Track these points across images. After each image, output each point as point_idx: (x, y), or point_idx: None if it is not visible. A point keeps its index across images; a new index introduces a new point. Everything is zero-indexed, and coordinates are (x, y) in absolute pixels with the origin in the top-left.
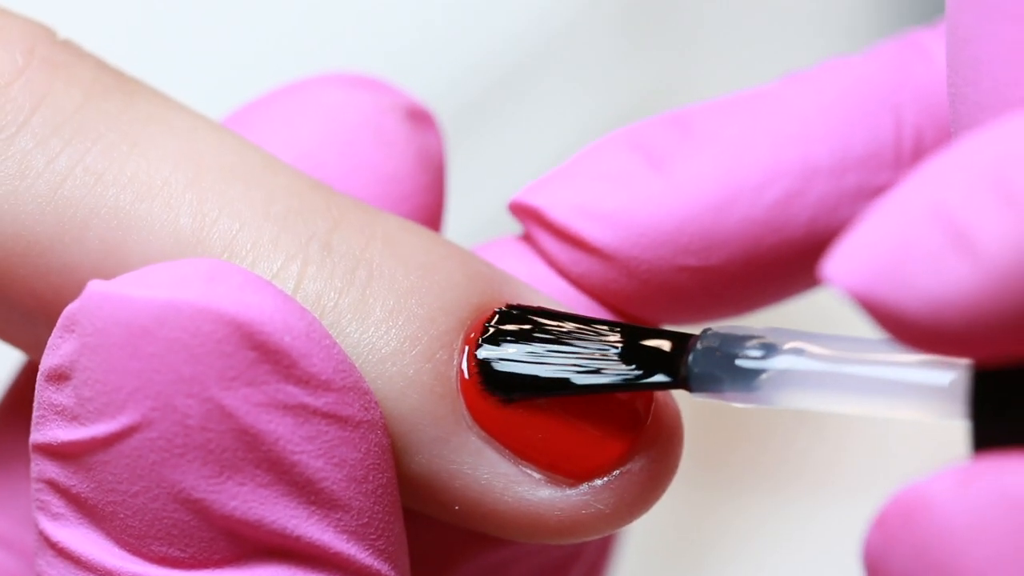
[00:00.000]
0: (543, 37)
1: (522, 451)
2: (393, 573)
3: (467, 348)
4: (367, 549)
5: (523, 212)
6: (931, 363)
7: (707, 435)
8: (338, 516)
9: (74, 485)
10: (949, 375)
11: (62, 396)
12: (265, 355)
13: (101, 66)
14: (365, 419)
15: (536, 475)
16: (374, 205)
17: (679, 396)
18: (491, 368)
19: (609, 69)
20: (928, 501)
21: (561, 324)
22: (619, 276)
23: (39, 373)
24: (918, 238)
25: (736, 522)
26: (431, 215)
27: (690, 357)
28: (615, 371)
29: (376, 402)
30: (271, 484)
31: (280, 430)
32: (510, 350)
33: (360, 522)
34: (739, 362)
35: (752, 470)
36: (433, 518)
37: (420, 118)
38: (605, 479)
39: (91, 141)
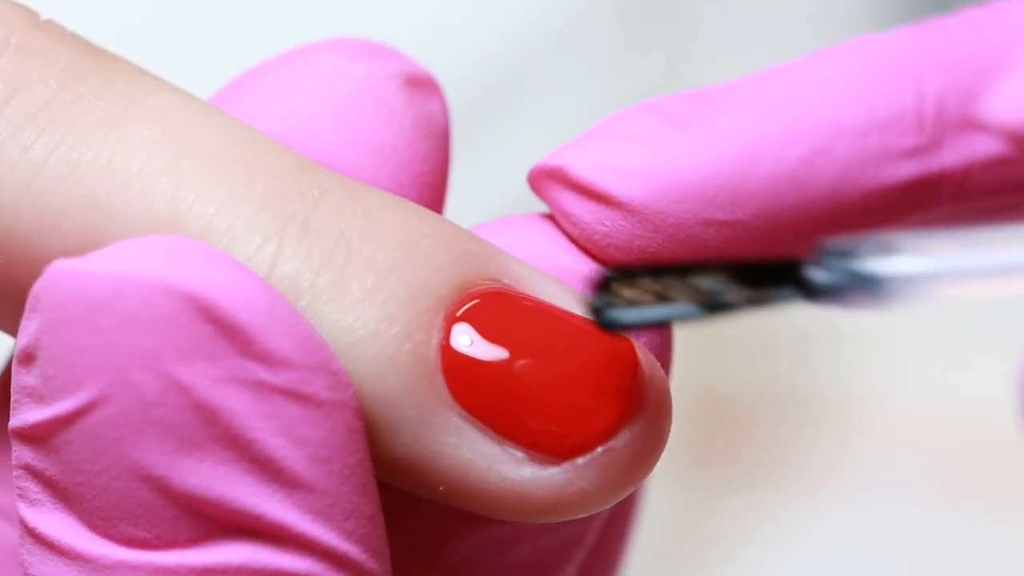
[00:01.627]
0: (542, 38)
1: (504, 430)
2: (363, 555)
3: (450, 326)
4: (334, 531)
5: (545, 175)
6: None
7: (707, 435)
8: (301, 496)
9: (46, 468)
10: None
11: (30, 377)
12: (222, 330)
13: (80, 48)
14: (330, 398)
15: (519, 454)
16: (370, 175)
17: (674, 397)
18: (615, 320)
19: (609, 70)
20: None
21: (664, 271)
22: (645, 231)
23: (13, 357)
24: None
25: (736, 522)
26: (431, 184)
27: (813, 269)
28: (735, 293)
29: (347, 382)
30: (232, 461)
31: (238, 406)
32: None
33: (325, 503)
34: (861, 266)
35: (752, 470)
36: (421, 498)
37: (421, 84)
38: (588, 456)
39: (66, 129)
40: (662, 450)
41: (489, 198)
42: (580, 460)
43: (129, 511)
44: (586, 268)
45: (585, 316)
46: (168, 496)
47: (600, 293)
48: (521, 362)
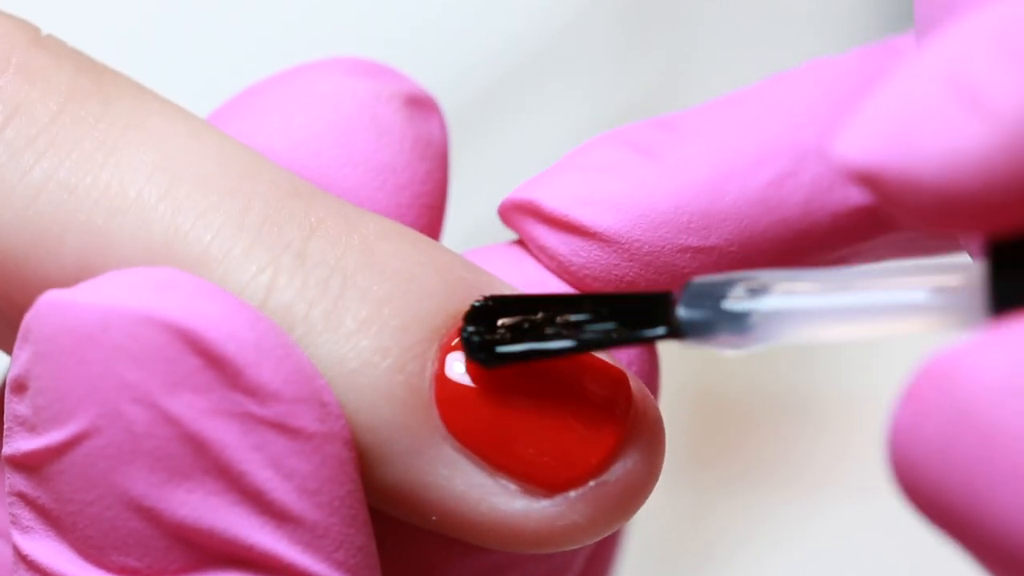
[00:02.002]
0: (541, 39)
1: (497, 462)
2: None
3: (443, 356)
4: (324, 561)
5: (517, 209)
6: (923, 270)
7: (707, 435)
8: (291, 527)
9: (39, 496)
10: (951, 278)
11: (22, 406)
12: (210, 362)
13: (80, 67)
14: (320, 431)
15: (511, 486)
16: (369, 194)
17: (674, 398)
18: (478, 343)
19: (608, 71)
20: (959, 364)
21: (538, 305)
22: (621, 260)
23: (6, 385)
24: (927, 103)
25: (736, 522)
26: (430, 204)
27: (679, 307)
28: (606, 331)
29: (338, 414)
30: (222, 492)
31: (227, 438)
32: (500, 336)
33: (315, 534)
34: (728, 305)
35: (752, 470)
36: (416, 527)
37: (420, 104)
38: (581, 490)
39: (65, 153)
40: (654, 484)
41: (487, 199)
42: (572, 494)
43: (120, 540)
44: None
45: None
46: (159, 526)
47: (473, 326)
48: (513, 397)
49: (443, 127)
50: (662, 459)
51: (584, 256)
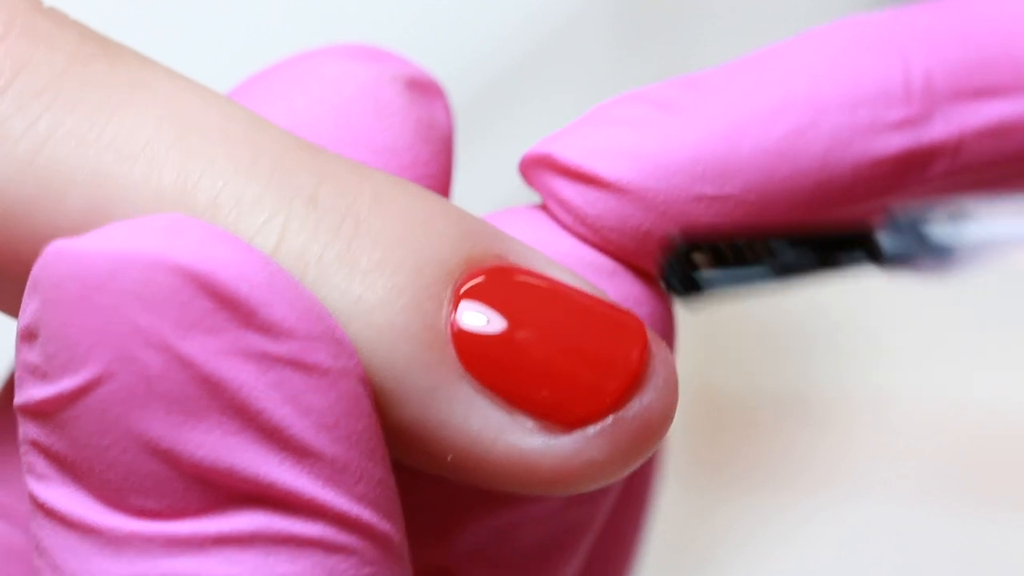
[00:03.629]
0: (537, 39)
1: (514, 399)
2: (375, 518)
3: (457, 299)
4: (344, 495)
5: (535, 163)
6: None
7: (707, 436)
8: (311, 462)
9: (53, 444)
10: None
11: (33, 355)
12: (223, 303)
13: (85, 34)
14: (334, 367)
15: (528, 423)
16: None
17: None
18: (680, 278)
19: (604, 71)
20: None
21: (736, 236)
22: (636, 210)
23: (16, 335)
24: None
25: (737, 523)
26: (433, 187)
27: (882, 235)
28: (807, 257)
29: (351, 351)
30: (239, 431)
31: (243, 377)
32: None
33: (334, 468)
34: (931, 233)
35: (753, 471)
36: (431, 483)
37: (423, 88)
38: (599, 426)
39: (71, 107)
40: (670, 422)
41: (484, 199)
42: (591, 429)
43: (139, 483)
44: (588, 255)
45: (595, 294)
46: (177, 468)
47: (672, 259)
48: (530, 335)
49: (447, 111)
50: (677, 399)
51: (600, 206)
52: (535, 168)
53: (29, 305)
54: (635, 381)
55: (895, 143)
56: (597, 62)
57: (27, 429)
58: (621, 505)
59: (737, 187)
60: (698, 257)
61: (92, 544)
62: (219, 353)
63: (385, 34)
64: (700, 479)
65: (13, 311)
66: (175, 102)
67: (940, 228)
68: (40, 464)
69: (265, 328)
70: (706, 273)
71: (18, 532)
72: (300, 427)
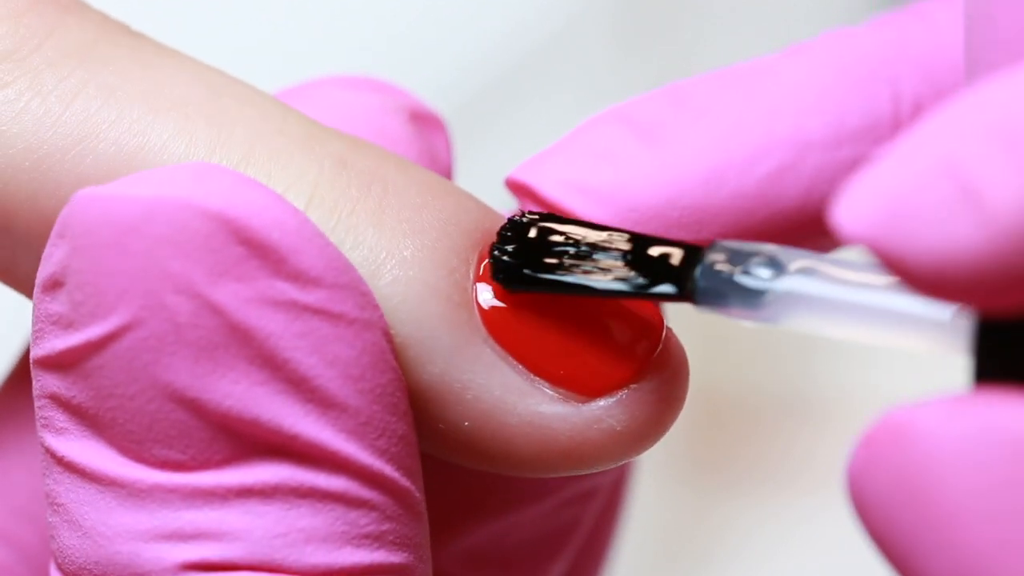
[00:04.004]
0: (536, 41)
1: (535, 366)
2: (396, 474)
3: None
4: (367, 449)
5: (517, 189)
6: None
7: (707, 436)
8: (335, 415)
9: (74, 396)
10: (951, 310)
11: (57, 304)
12: (254, 250)
13: (107, 16)
14: (361, 317)
15: (548, 391)
16: None
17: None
18: (504, 263)
19: (603, 72)
20: (917, 425)
21: (575, 228)
22: None
23: (36, 286)
24: (925, 190)
25: (736, 524)
26: None
27: (696, 271)
28: (622, 278)
29: (375, 304)
30: (266, 381)
31: (271, 326)
32: (525, 251)
33: (358, 421)
34: (744, 280)
35: (752, 471)
36: (429, 488)
37: (426, 120)
38: (617, 396)
39: (103, 63)
40: (683, 401)
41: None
42: (609, 399)
43: (163, 433)
44: None
45: None
46: (203, 417)
47: (504, 244)
48: (549, 309)
49: (448, 144)
50: (688, 382)
51: None
52: (517, 193)
53: (55, 253)
54: (652, 356)
55: None
56: (597, 63)
57: (46, 382)
58: (604, 507)
59: (713, 232)
60: (527, 252)
61: (112, 497)
62: (249, 301)
63: (385, 34)
64: (700, 479)
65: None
66: (203, 71)
67: (755, 275)
68: (59, 418)
69: (294, 276)
70: (532, 274)
71: (10, 552)
72: (326, 377)
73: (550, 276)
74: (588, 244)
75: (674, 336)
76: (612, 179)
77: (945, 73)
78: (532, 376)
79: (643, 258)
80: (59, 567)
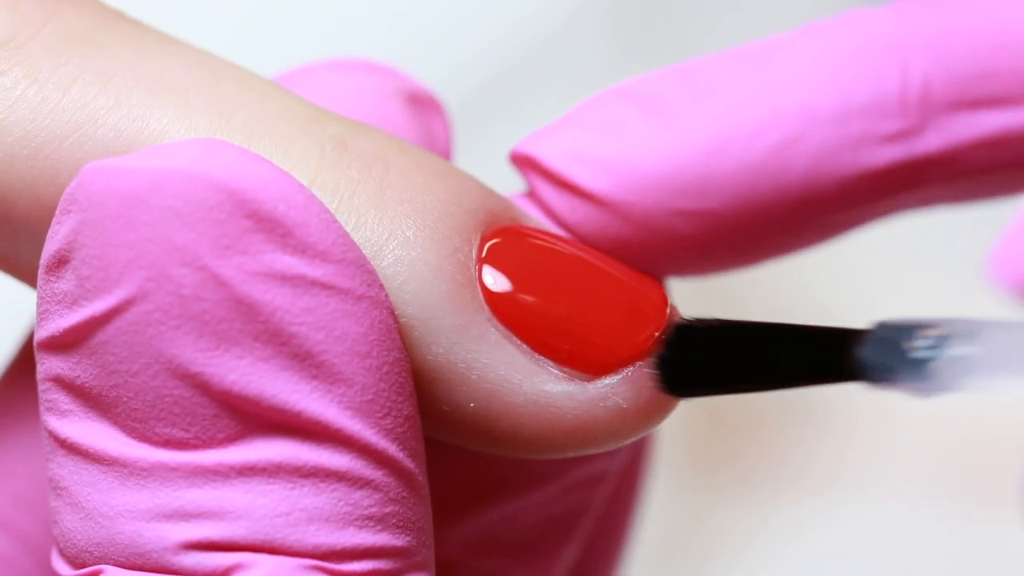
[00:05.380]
0: (533, 41)
1: (540, 345)
2: (400, 454)
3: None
4: (372, 427)
5: (521, 161)
6: None
7: (708, 438)
8: (341, 391)
9: (78, 376)
10: None
11: (62, 282)
12: (260, 223)
13: (104, 3)
14: (368, 294)
15: (554, 369)
16: None
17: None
18: (670, 380)
19: (600, 72)
20: None
21: (729, 335)
22: (614, 221)
23: (40, 268)
24: None
25: (737, 525)
26: None
27: (864, 349)
28: (787, 370)
29: (380, 282)
30: (271, 357)
31: (277, 300)
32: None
33: (364, 398)
34: (912, 353)
35: (754, 473)
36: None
37: (425, 103)
38: (623, 373)
39: (100, 50)
40: None
41: None
42: (615, 377)
43: (167, 410)
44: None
45: (609, 259)
46: (207, 393)
47: (668, 350)
48: (552, 290)
49: (447, 125)
50: None
51: (580, 214)
52: (522, 166)
53: (61, 228)
54: (659, 332)
55: (885, 156)
56: (596, 62)
57: (50, 365)
58: (615, 493)
59: (717, 202)
60: (693, 359)
61: (115, 476)
62: (254, 274)
63: (385, 33)
64: (700, 479)
65: (27, 269)
66: (203, 57)
67: (923, 344)
68: (62, 400)
69: (301, 250)
70: (697, 385)
71: (9, 540)
72: (333, 353)
73: (718, 384)
74: (747, 341)
75: (679, 313)
76: (617, 150)
77: (956, 57)
78: (537, 355)
79: (805, 344)
80: (61, 553)
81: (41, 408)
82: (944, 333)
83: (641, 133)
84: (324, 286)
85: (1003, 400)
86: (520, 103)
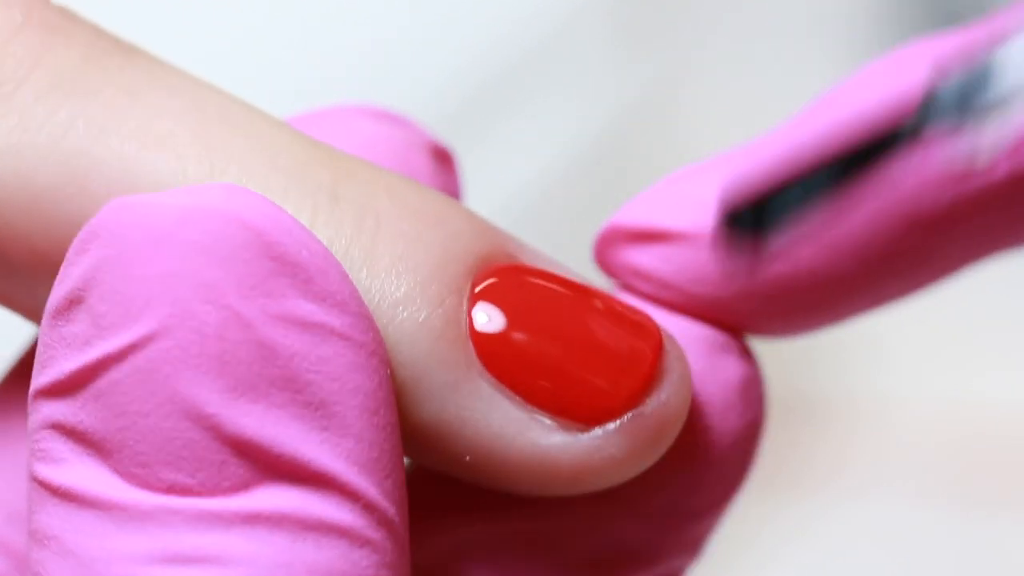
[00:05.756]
0: (532, 42)
1: (533, 397)
2: (397, 518)
3: (475, 298)
4: (377, 486)
5: (605, 241)
6: None
7: None
8: (350, 445)
9: (81, 420)
10: None
11: (72, 325)
12: (283, 267)
13: (98, 30)
14: (378, 351)
15: (547, 421)
16: None
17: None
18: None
19: (599, 73)
20: None
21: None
22: (711, 255)
23: (45, 315)
24: None
25: (738, 525)
26: None
27: (934, 90)
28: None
29: (383, 340)
30: (285, 404)
31: (297, 346)
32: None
33: (371, 455)
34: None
35: (754, 472)
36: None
37: (443, 158)
38: (617, 423)
39: (92, 95)
40: (685, 418)
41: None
42: (610, 426)
43: (174, 454)
44: (686, 327)
45: (606, 293)
46: (217, 438)
47: (733, 207)
48: (545, 335)
49: (458, 179)
50: (691, 395)
51: (676, 261)
52: (605, 247)
53: (74, 270)
54: (651, 377)
55: (964, 185)
56: (596, 62)
57: (48, 412)
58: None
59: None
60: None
61: (112, 521)
62: (276, 318)
63: (385, 33)
64: None
65: (19, 307)
66: (194, 97)
67: (986, 58)
68: (58, 448)
69: (322, 298)
70: (771, 203)
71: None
72: (346, 405)
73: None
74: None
75: (676, 350)
76: (695, 190)
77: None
78: (529, 406)
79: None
80: None
81: (31, 458)
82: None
83: (720, 173)
84: (342, 336)
85: (1004, 401)
86: (520, 103)
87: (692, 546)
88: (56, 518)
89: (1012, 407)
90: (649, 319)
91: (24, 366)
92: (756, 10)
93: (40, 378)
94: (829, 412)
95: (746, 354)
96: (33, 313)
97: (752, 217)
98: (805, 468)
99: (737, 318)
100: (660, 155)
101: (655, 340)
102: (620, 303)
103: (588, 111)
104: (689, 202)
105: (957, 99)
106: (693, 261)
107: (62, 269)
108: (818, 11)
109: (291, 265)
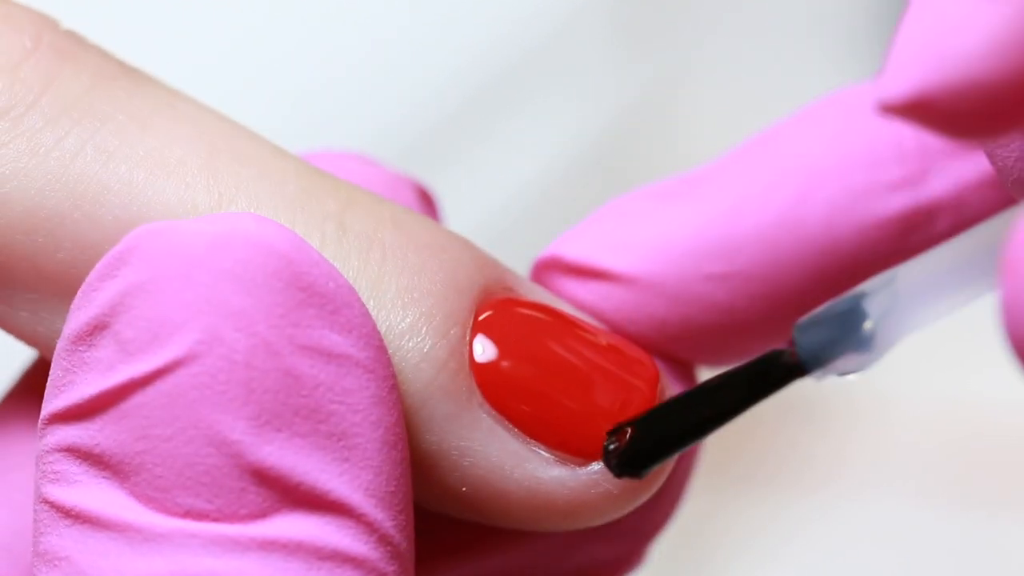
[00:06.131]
0: (531, 43)
1: (532, 430)
2: (408, 552)
3: (477, 330)
4: (392, 520)
5: (544, 268)
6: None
7: (708, 438)
8: (369, 478)
9: (98, 443)
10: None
11: (95, 350)
12: (311, 297)
13: (106, 55)
14: (395, 385)
15: (546, 454)
16: None
17: None
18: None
19: (599, 74)
20: None
21: (669, 411)
22: (650, 298)
23: (62, 340)
24: (945, 14)
25: (738, 524)
26: None
27: (796, 344)
28: (736, 391)
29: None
30: (308, 434)
31: (322, 376)
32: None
33: (388, 489)
34: (841, 319)
35: (755, 471)
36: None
37: (427, 199)
38: None
39: (100, 121)
40: (678, 453)
41: (476, 204)
42: None
43: (194, 479)
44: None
45: (601, 328)
46: (239, 465)
47: (615, 446)
48: (543, 368)
49: (439, 218)
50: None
51: (614, 300)
52: (545, 272)
53: (100, 295)
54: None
55: (895, 203)
56: (596, 62)
57: (63, 435)
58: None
59: (744, 262)
60: (637, 436)
61: (126, 542)
62: (303, 348)
63: (385, 33)
64: (700, 479)
65: (20, 333)
66: (201, 124)
67: (851, 309)
68: (74, 471)
69: (348, 330)
70: (647, 449)
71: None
72: (366, 438)
73: (668, 442)
74: (685, 406)
75: (669, 388)
76: (637, 230)
77: None
78: (528, 439)
79: (741, 374)
80: None
81: (42, 480)
82: (860, 292)
83: (658, 212)
84: (366, 369)
85: (1003, 400)
86: (520, 103)
87: (649, 548)
88: (68, 539)
89: (1012, 407)
90: (646, 355)
91: (17, 395)
92: (756, 10)
93: (56, 401)
94: (829, 412)
95: (688, 379)
96: (31, 337)
97: (637, 464)
98: (805, 468)
99: (671, 345)
100: (660, 155)
101: (651, 376)
102: (617, 338)
103: (588, 111)
104: (628, 242)
105: (816, 354)
106: (632, 302)
107: (82, 294)
108: (818, 11)
109: (319, 296)
